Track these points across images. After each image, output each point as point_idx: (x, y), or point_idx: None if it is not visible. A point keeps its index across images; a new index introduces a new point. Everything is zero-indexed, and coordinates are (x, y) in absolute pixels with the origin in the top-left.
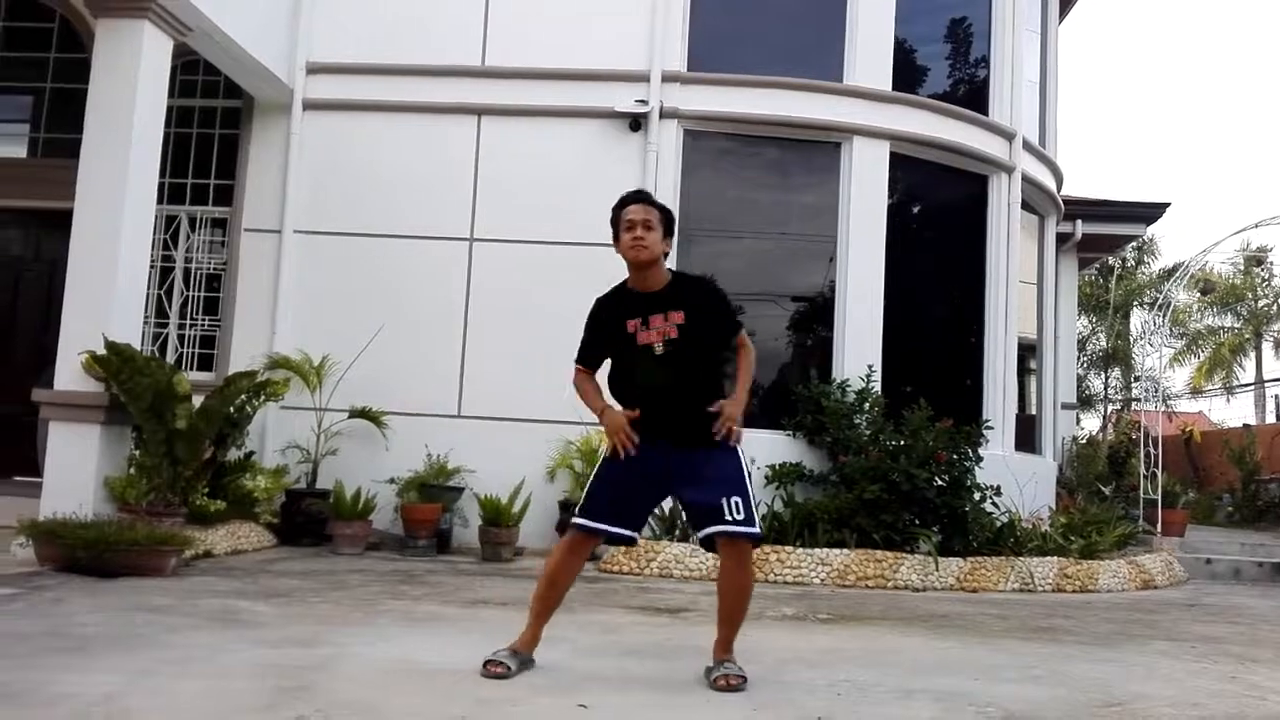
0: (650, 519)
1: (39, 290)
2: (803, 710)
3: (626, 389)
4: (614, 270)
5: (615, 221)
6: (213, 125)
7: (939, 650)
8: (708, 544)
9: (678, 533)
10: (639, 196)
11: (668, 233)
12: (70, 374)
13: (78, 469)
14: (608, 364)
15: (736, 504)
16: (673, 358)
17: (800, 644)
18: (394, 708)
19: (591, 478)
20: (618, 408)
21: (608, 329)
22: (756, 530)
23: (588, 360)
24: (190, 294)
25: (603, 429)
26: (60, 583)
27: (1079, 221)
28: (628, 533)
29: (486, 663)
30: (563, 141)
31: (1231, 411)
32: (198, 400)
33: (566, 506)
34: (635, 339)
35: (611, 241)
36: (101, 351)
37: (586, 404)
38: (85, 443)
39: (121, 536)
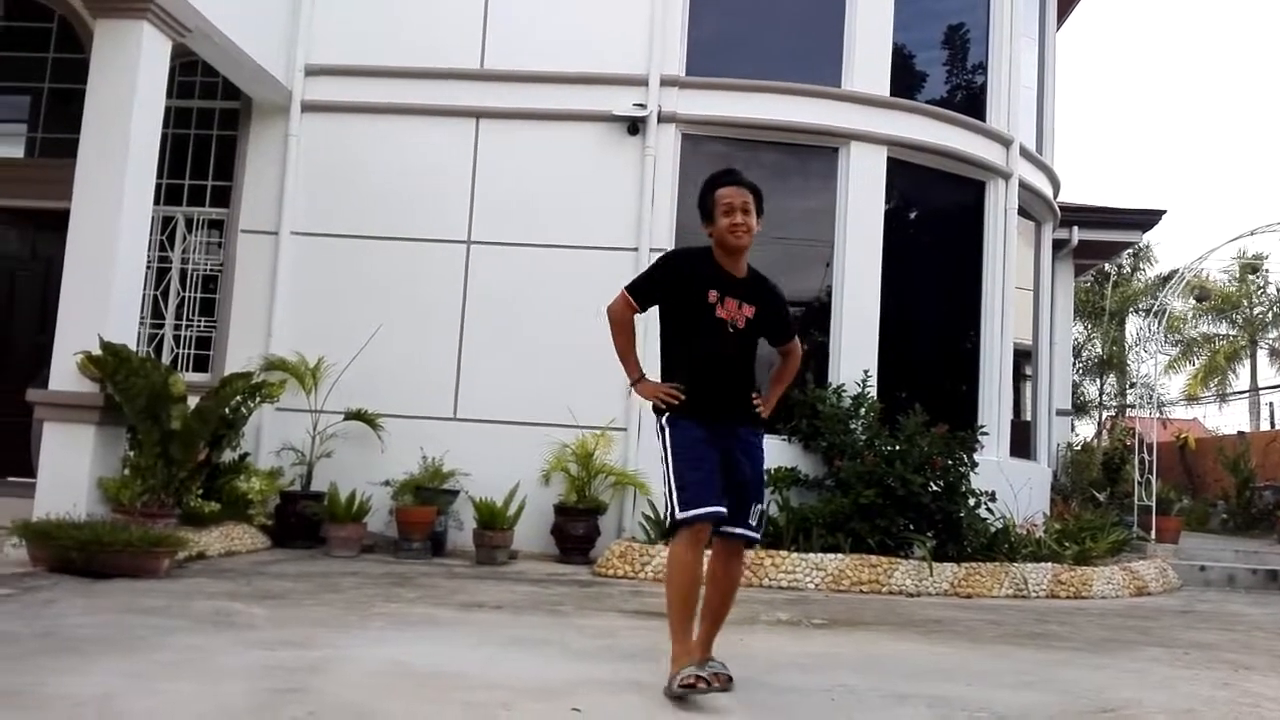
0: (644, 523)
1: (35, 290)
2: (796, 715)
3: (691, 357)
4: (609, 272)
5: (708, 201)
6: (211, 126)
7: (933, 655)
8: (723, 535)
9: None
10: (733, 178)
11: (759, 213)
12: (65, 374)
13: (72, 470)
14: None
15: (758, 511)
16: (739, 342)
17: (794, 649)
18: (386, 711)
19: (673, 463)
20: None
21: (685, 285)
22: (757, 537)
23: (642, 298)
24: (186, 295)
25: (596, 434)
26: (53, 583)
27: (1075, 228)
28: (724, 508)
29: (682, 686)
30: (561, 145)
31: (1226, 419)
32: (193, 401)
33: (562, 510)
34: (714, 310)
35: (704, 226)
36: (97, 352)
37: (620, 351)
38: (80, 443)
39: (115, 537)
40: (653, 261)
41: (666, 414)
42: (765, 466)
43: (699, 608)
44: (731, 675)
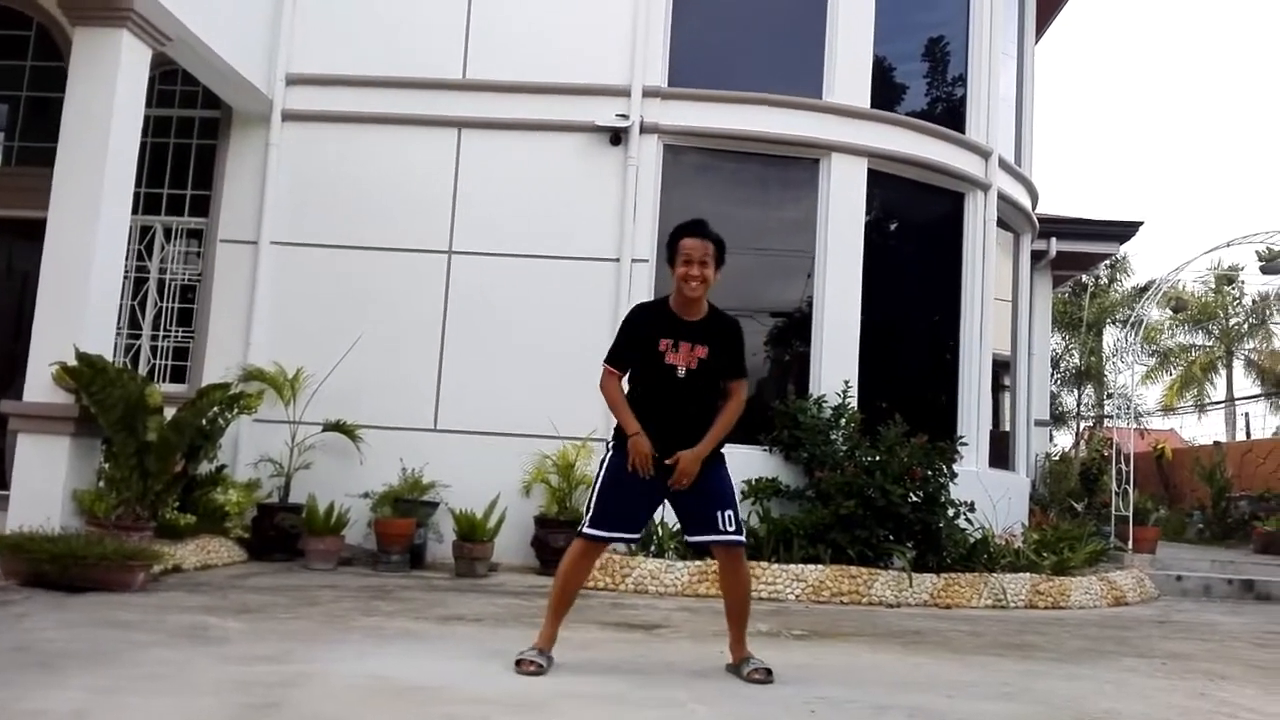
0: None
1: (10, 300)
2: None
3: (644, 399)
4: (591, 283)
5: (671, 249)
6: (190, 135)
7: (912, 666)
8: (698, 547)
9: (653, 549)
10: (698, 229)
11: (719, 264)
12: (40, 385)
13: (46, 482)
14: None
15: (730, 516)
16: (689, 384)
17: (775, 660)
18: None
19: (597, 485)
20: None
21: (642, 339)
22: (743, 538)
23: (620, 363)
24: (164, 305)
25: (578, 445)
26: (26, 597)
27: (1054, 239)
28: (632, 536)
29: (519, 661)
30: (543, 155)
31: (1203, 429)
32: (169, 412)
33: (543, 521)
34: (664, 357)
35: (668, 263)
36: (73, 363)
37: (616, 413)
38: (54, 455)
39: (89, 551)
40: (620, 322)
41: (614, 442)
42: (746, 477)
43: (569, 606)
44: (770, 668)
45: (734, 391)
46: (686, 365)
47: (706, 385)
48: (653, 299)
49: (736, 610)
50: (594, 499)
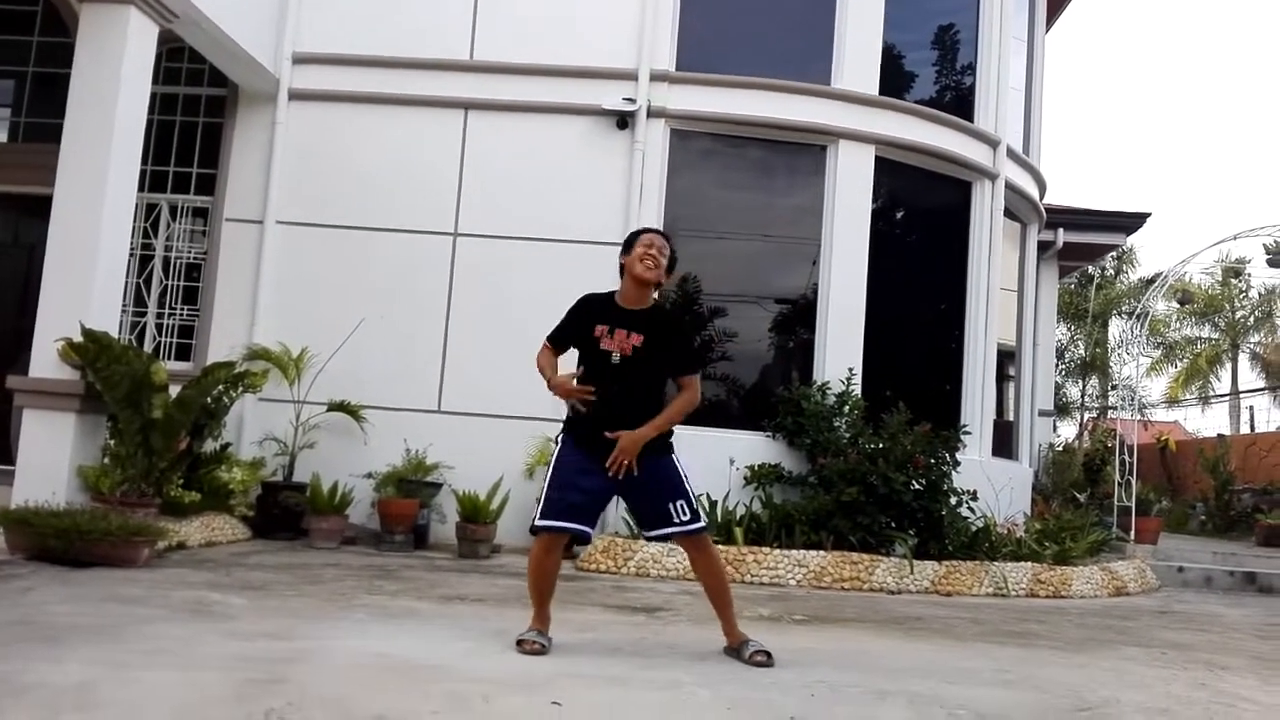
0: (627, 518)
1: (17, 276)
2: (777, 710)
3: (586, 385)
4: (596, 267)
5: (631, 243)
6: (196, 113)
7: (913, 653)
8: (658, 541)
9: None
10: (660, 232)
11: (669, 270)
12: (46, 361)
13: (52, 457)
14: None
15: (681, 507)
16: (624, 371)
17: (776, 644)
18: (366, 701)
19: (547, 479)
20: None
21: (581, 325)
22: (702, 524)
23: (555, 341)
24: (170, 283)
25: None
26: (31, 571)
27: (1060, 230)
28: (584, 529)
29: (520, 641)
30: (549, 138)
31: (1207, 421)
32: (175, 390)
33: None
34: (599, 343)
35: (621, 257)
36: (79, 339)
37: (543, 374)
38: (60, 431)
39: (94, 526)
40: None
41: (562, 432)
42: (749, 463)
43: (551, 591)
44: (770, 651)
45: (685, 386)
46: (620, 351)
47: (646, 375)
48: (595, 292)
49: (716, 595)
50: (545, 490)
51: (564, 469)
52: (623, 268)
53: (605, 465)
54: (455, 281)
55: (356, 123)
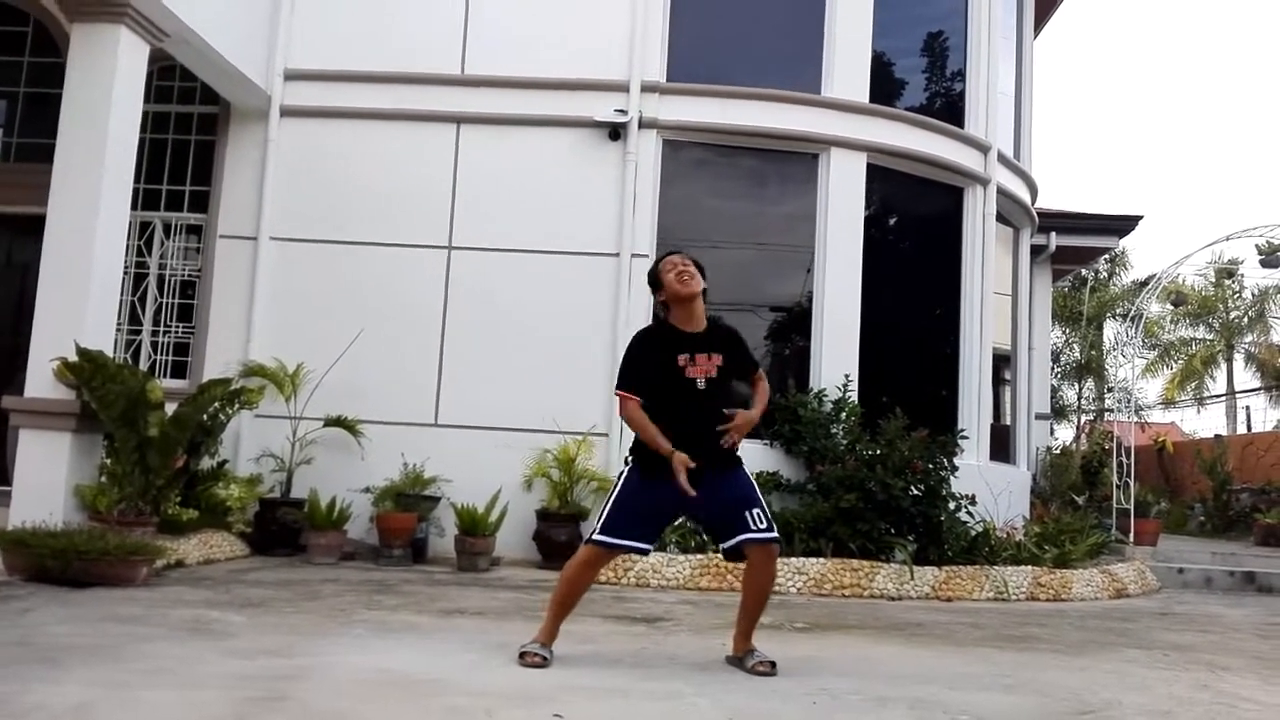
0: None
1: (11, 296)
2: (778, 718)
3: (663, 417)
4: (590, 278)
5: (654, 274)
6: (189, 131)
7: (914, 658)
8: (733, 553)
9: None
10: (675, 251)
11: (703, 275)
12: (41, 381)
13: (48, 477)
14: None
15: (758, 515)
16: (710, 393)
17: (777, 652)
18: (368, 717)
19: (613, 497)
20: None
21: (657, 360)
22: (776, 534)
23: (638, 389)
24: (164, 300)
25: (578, 440)
26: (29, 592)
27: (1053, 234)
28: (647, 546)
29: (523, 654)
30: (542, 150)
31: (1203, 422)
32: (171, 408)
33: (544, 516)
34: (684, 372)
35: (657, 296)
36: (73, 358)
37: (648, 438)
38: (56, 450)
39: (92, 546)
40: (625, 351)
41: (633, 459)
42: (747, 471)
43: (573, 607)
44: (774, 661)
45: (759, 380)
46: (706, 375)
47: (722, 392)
48: (649, 326)
49: (757, 606)
50: (609, 508)
51: (630, 492)
52: (664, 304)
53: (683, 484)
54: (450, 294)
55: (349, 138)
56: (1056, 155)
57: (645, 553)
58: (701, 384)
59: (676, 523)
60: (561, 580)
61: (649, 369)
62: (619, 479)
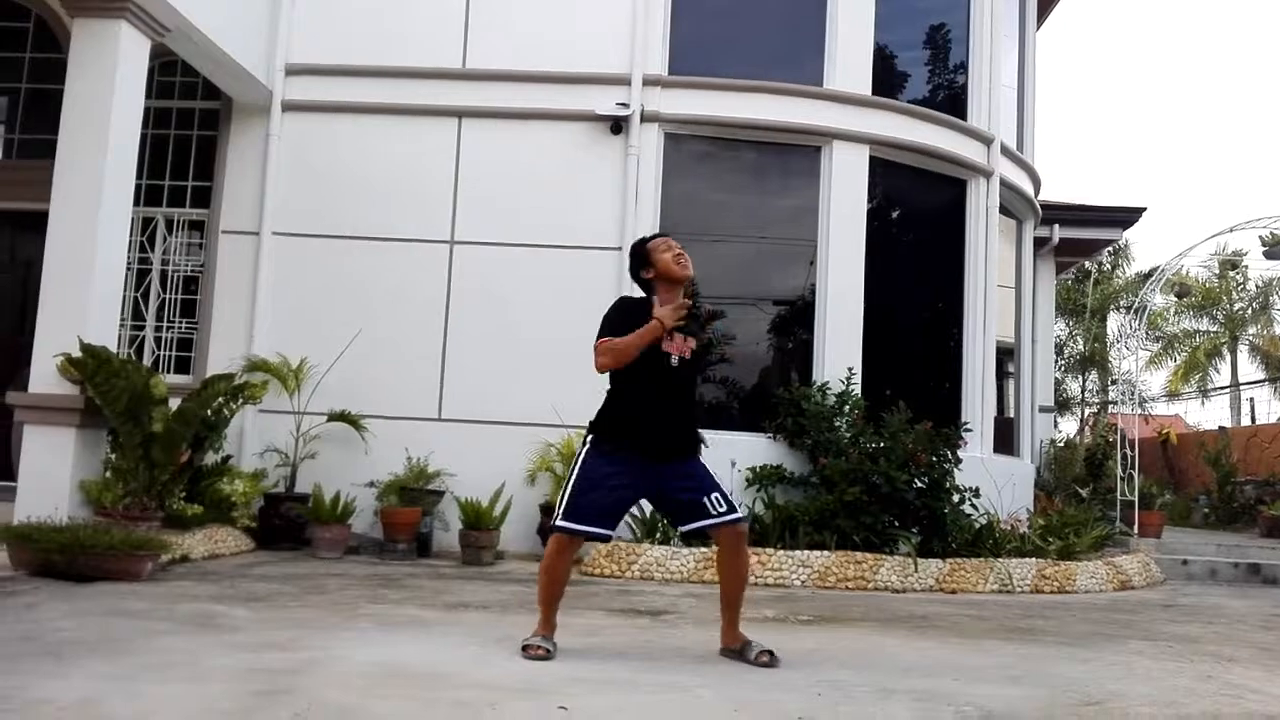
0: (631, 522)
1: (14, 293)
2: (783, 710)
3: (634, 393)
4: (592, 272)
5: (641, 254)
6: (190, 127)
7: (918, 651)
8: (692, 537)
9: (658, 535)
10: (658, 235)
11: None
12: (45, 377)
13: (53, 472)
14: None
15: (716, 499)
16: (681, 374)
17: (781, 645)
18: (374, 710)
19: (571, 482)
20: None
21: (639, 324)
22: (741, 514)
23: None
24: (167, 296)
25: (582, 433)
26: (35, 587)
27: (1056, 226)
28: (607, 532)
29: (525, 647)
30: (543, 144)
31: (1207, 414)
32: (175, 403)
33: (548, 510)
34: (660, 344)
35: (640, 273)
36: (77, 354)
37: (628, 345)
38: (60, 446)
39: (97, 540)
40: (606, 312)
41: (593, 436)
42: (751, 464)
43: (560, 596)
44: (773, 650)
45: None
46: (680, 354)
47: (691, 377)
48: (634, 297)
49: (736, 594)
50: (568, 493)
51: (590, 472)
52: (647, 282)
53: (641, 468)
54: (453, 289)
55: (351, 133)
56: (1060, 147)
57: (607, 539)
58: (675, 361)
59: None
60: (540, 573)
61: (628, 329)
62: (576, 460)
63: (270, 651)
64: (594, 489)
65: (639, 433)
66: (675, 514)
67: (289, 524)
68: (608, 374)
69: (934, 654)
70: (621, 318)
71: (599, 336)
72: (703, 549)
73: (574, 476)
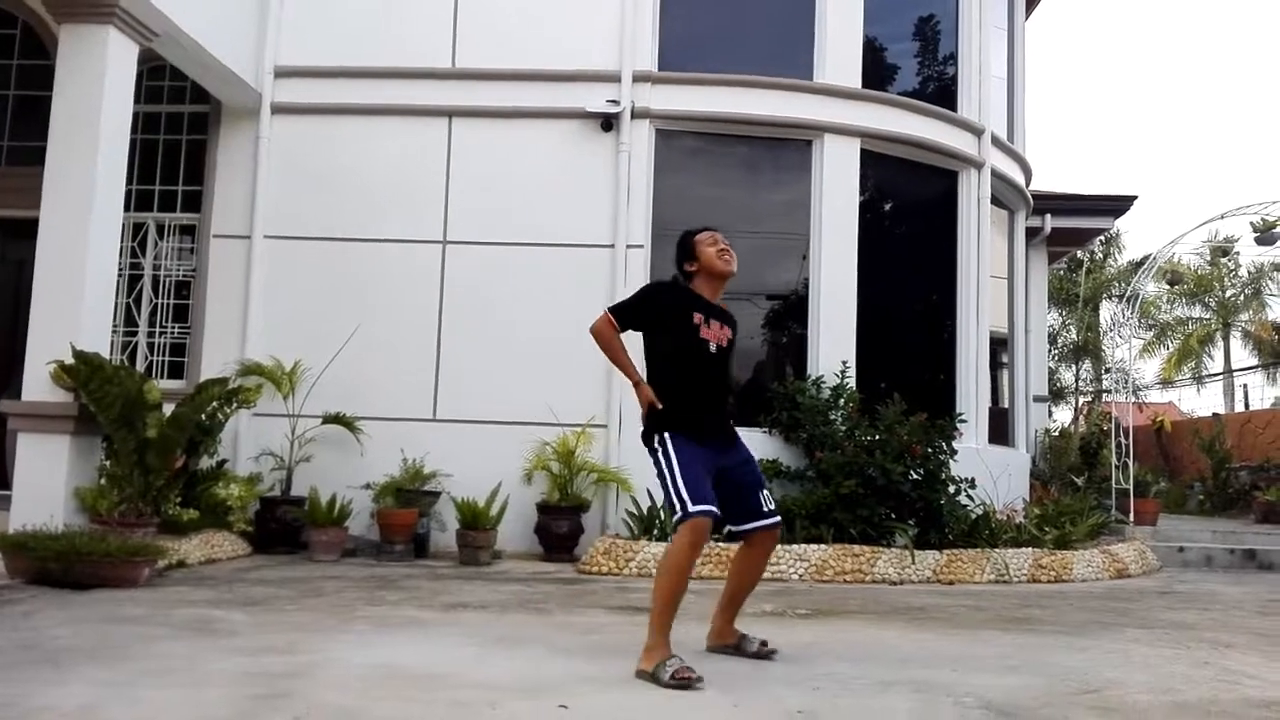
0: (629, 518)
1: (5, 300)
2: (782, 704)
3: (680, 378)
4: (585, 269)
5: (688, 245)
6: (180, 131)
7: (916, 642)
8: (739, 537)
9: (655, 533)
10: (710, 227)
11: None
12: (38, 384)
13: (47, 480)
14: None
15: (767, 497)
16: (720, 361)
17: (780, 639)
18: (373, 712)
19: (677, 472)
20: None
21: (669, 310)
22: (779, 515)
23: (624, 320)
24: (159, 301)
25: (577, 431)
26: (31, 595)
27: (1048, 215)
28: (719, 513)
29: (674, 675)
30: (535, 142)
31: (1201, 401)
32: (169, 408)
33: (544, 509)
34: (699, 330)
35: (683, 265)
36: (70, 361)
37: (615, 358)
38: (55, 453)
39: (93, 547)
40: (639, 290)
41: (668, 431)
42: None
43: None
44: (766, 640)
45: None
46: (717, 342)
47: (728, 366)
48: (672, 280)
49: (743, 591)
50: (681, 483)
51: (687, 459)
52: (689, 273)
53: (709, 452)
54: (445, 289)
55: (341, 134)
56: (1050, 137)
57: (721, 520)
58: (713, 348)
59: None
60: (666, 574)
61: (654, 313)
62: (665, 456)
63: (268, 655)
64: (698, 472)
65: (702, 419)
66: (730, 510)
67: (285, 527)
68: (650, 361)
69: (932, 645)
70: (648, 302)
71: (617, 303)
72: None
73: (675, 467)
